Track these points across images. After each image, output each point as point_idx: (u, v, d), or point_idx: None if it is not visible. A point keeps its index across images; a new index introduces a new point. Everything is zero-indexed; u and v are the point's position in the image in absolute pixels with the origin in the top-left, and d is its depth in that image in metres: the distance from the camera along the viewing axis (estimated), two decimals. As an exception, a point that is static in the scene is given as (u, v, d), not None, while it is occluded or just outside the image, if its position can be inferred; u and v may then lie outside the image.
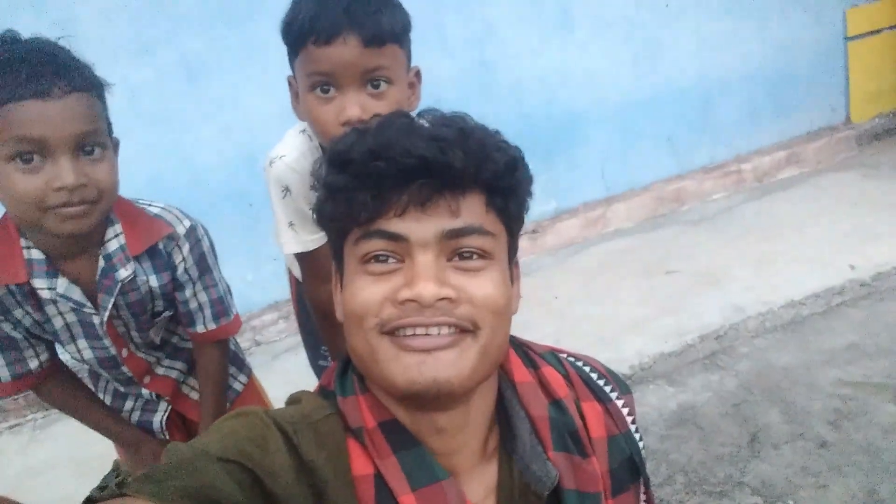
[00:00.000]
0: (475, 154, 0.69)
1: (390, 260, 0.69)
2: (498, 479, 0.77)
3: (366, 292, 0.69)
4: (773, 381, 2.31)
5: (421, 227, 0.68)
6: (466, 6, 3.08)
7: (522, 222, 0.77)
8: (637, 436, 0.84)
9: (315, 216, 0.76)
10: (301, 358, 2.88)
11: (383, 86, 1.17)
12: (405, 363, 0.67)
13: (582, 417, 0.81)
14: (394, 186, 0.67)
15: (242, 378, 1.47)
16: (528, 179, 0.75)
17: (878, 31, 3.76)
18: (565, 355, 0.88)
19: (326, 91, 1.17)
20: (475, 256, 0.70)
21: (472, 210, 0.70)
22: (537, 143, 3.18)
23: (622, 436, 0.82)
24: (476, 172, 0.69)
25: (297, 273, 1.71)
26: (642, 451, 0.84)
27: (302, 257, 1.40)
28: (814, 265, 2.85)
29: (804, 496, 1.86)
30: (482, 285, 0.69)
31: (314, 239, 1.37)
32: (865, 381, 2.23)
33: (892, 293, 2.64)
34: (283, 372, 2.84)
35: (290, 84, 1.26)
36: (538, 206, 3.24)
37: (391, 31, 1.15)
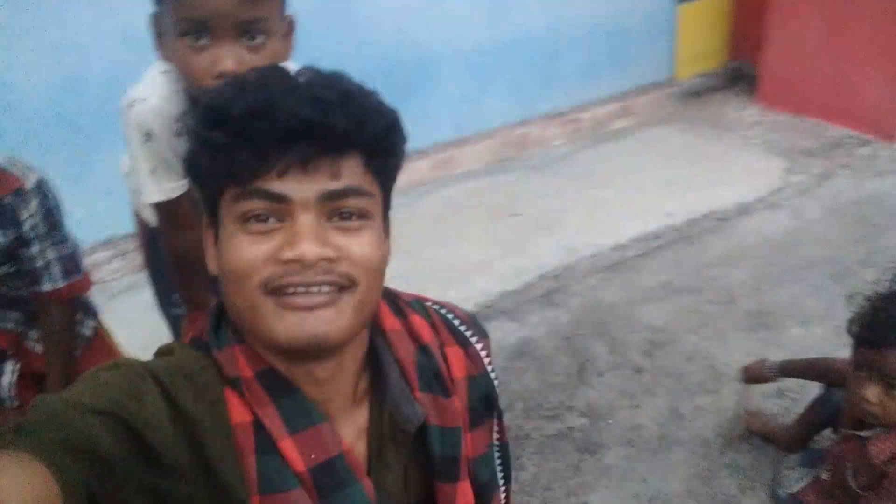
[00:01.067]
0: (357, 117, 0.70)
1: (270, 219, 0.70)
2: (369, 421, 0.83)
3: (248, 252, 0.70)
4: (599, 316, 2.56)
5: (302, 187, 0.69)
6: (321, -65, 2.96)
7: (396, 181, 0.81)
8: (493, 375, 0.93)
9: (186, 169, 0.75)
10: (140, 299, 2.75)
11: (260, 38, 1.14)
12: (288, 321, 0.70)
13: (445, 360, 0.88)
14: (275, 146, 0.68)
15: (90, 323, 1.41)
16: (404, 140, 0.78)
17: (701, -4, 4.09)
18: (430, 303, 0.94)
19: (198, 38, 1.11)
20: (354, 217, 0.73)
21: (352, 171, 0.72)
22: (392, 82, 3.17)
23: (480, 376, 0.90)
24: (357, 135, 0.71)
25: (149, 218, 1.63)
26: (497, 389, 0.93)
27: (162, 205, 1.34)
28: (637, 211, 3.15)
29: (622, 415, 2.13)
30: (360, 245, 0.73)
31: (177, 186, 1.31)
32: (674, 315, 2.54)
33: (700, 237, 2.99)
34: (121, 312, 2.69)
35: (153, 22, 1.19)
36: (390, 147, 3.25)
37: None
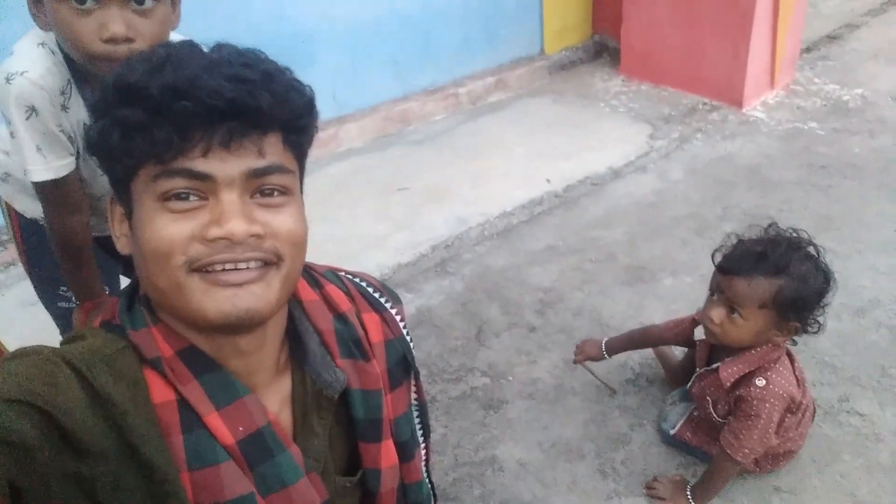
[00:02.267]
0: (280, 96, 0.72)
1: (191, 197, 0.70)
2: (292, 390, 0.86)
3: (169, 230, 0.70)
4: (492, 281, 2.67)
5: (226, 166, 0.70)
6: None
7: (307, 157, 0.83)
8: (408, 338, 0.97)
9: (92, 146, 0.73)
10: (7, 299, 2.55)
11: (149, 2, 1.10)
12: (217, 297, 0.71)
13: (363, 327, 0.92)
14: (198, 125, 0.68)
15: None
16: (317, 117, 0.80)
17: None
18: (343, 273, 0.97)
19: (83, 1, 1.05)
20: (276, 193, 0.74)
21: (273, 149, 0.73)
22: (268, 60, 3.10)
23: (396, 339, 0.95)
24: (280, 113, 0.72)
25: (23, 207, 1.52)
26: (412, 351, 0.97)
27: (50, 185, 1.26)
28: (519, 179, 3.28)
29: (520, 372, 2.24)
30: (285, 220, 0.74)
31: (65, 164, 1.24)
32: (560, 275, 2.69)
33: (578, 201, 3.17)
34: (-11, 315, 2.49)
35: None
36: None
37: None
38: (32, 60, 1.18)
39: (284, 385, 0.85)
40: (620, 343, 2.07)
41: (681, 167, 3.44)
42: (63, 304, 1.62)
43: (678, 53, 4.02)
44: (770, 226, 1.72)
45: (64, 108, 1.22)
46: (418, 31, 3.72)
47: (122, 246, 0.78)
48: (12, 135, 1.23)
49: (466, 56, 4.00)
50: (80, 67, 1.21)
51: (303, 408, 0.86)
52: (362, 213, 3.04)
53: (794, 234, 1.68)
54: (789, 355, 1.78)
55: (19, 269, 2.53)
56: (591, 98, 4.10)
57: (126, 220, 0.76)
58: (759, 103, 4.00)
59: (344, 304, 0.91)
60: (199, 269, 0.70)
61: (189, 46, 0.73)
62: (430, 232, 2.92)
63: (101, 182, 1.38)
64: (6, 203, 1.56)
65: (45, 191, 1.29)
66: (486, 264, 2.77)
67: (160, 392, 0.74)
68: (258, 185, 0.72)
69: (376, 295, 0.96)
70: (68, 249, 1.37)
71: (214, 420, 0.75)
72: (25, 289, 1.69)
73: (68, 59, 1.22)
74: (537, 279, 2.67)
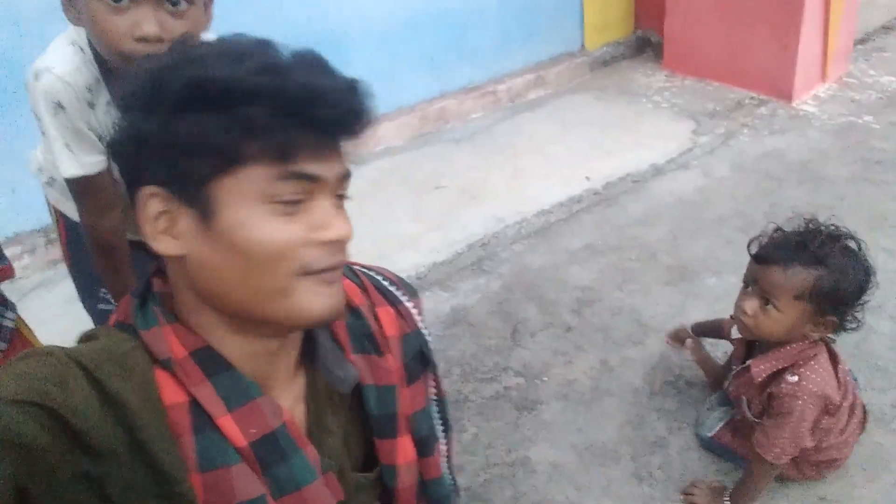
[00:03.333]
0: (366, 103, 0.73)
1: (292, 200, 0.71)
2: (305, 387, 0.84)
3: (280, 234, 0.70)
4: (528, 280, 2.63)
5: (333, 168, 0.72)
6: None
7: None
8: (426, 332, 0.95)
9: (158, 140, 0.68)
10: (54, 295, 2.63)
11: (183, 4, 1.12)
12: (324, 296, 0.73)
13: (377, 320, 0.90)
14: (322, 130, 0.70)
15: (11, 315, 1.34)
16: None
17: (606, -33, 4.19)
18: (358, 267, 0.96)
19: (118, 0, 1.06)
20: (344, 198, 0.77)
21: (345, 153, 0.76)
22: (305, 60, 3.12)
23: (413, 333, 0.93)
24: (366, 121, 0.74)
25: (68, 210, 1.55)
26: (430, 345, 0.95)
27: (81, 183, 1.28)
28: (558, 177, 3.23)
29: (555, 372, 2.20)
30: (349, 225, 0.76)
31: (96, 161, 1.26)
32: (599, 273, 2.64)
33: (618, 199, 3.10)
34: (35, 310, 2.57)
35: None
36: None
37: None
38: (60, 58, 1.21)
39: (298, 383, 0.84)
40: (703, 328, 2.09)
41: (726, 163, 3.34)
42: (103, 307, 1.64)
43: (723, 47, 3.90)
44: (811, 220, 1.65)
45: (91, 105, 1.24)
46: (455, 28, 3.70)
47: (167, 246, 0.73)
48: (43, 133, 1.25)
49: (505, 53, 3.96)
50: (109, 66, 1.23)
51: (316, 406, 0.85)
52: (398, 212, 3.03)
53: (834, 226, 1.61)
54: (833, 356, 1.70)
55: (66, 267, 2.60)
56: (634, 94, 4.01)
57: (163, 218, 0.72)
58: (810, 97, 3.85)
59: (357, 298, 0.90)
60: (312, 272, 0.72)
61: (311, 54, 0.73)
62: (467, 230, 2.89)
63: None
64: (53, 206, 1.60)
65: (76, 188, 1.31)
66: (523, 263, 2.73)
67: (171, 393, 0.73)
68: (341, 188, 0.75)
69: (392, 288, 0.95)
70: (102, 249, 1.39)
71: (227, 422, 0.74)
72: (71, 287, 1.73)
73: (98, 58, 1.24)
74: (575, 278, 2.62)
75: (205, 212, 0.70)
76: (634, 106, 3.89)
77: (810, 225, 1.63)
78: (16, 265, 2.84)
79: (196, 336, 0.75)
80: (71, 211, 1.55)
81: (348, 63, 3.63)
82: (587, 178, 3.21)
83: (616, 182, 3.19)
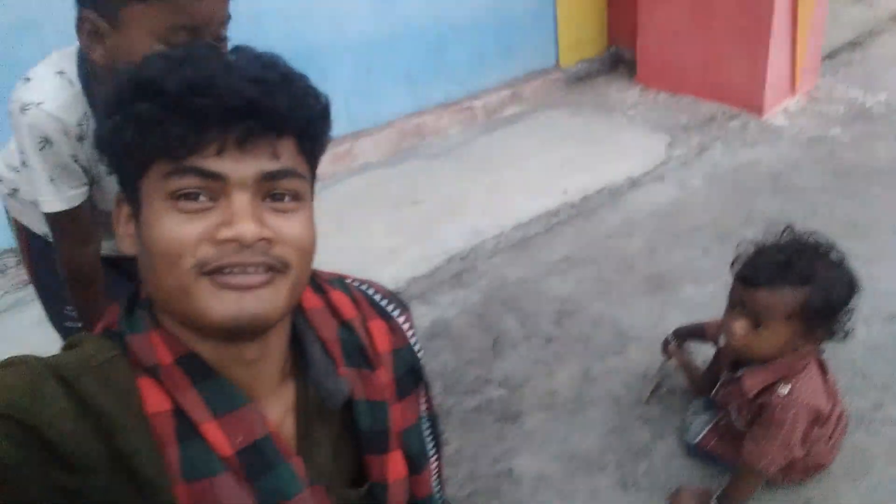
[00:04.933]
0: (297, 99, 0.71)
1: (201, 198, 0.69)
2: (295, 399, 0.83)
3: (180, 231, 0.68)
4: (508, 292, 2.62)
5: (240, 166, 0.68)
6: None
7: (318, 165, 0.82)
8: (417, 347, 0.94)
9: (101, 143, 0.72)
10: (25, 317, 2.56)
11: (222, 43, 1.14)
12: (225, 300, 0.68)
13: (368, 335, 0.89)
14: (214, 124, 0.67)
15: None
16: (331, 125, 0.79)
17: (579, -14, 4.26)
18: (350, 280, 0.95)
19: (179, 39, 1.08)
20: (287, 198, 0.72)
21: (288, 153, 0.72)
22: (282, 77, 3.11)
23: (404, 348, 0.92)
24: (296, 117, 0.71)
25: (30, 223, 1.51)
26: (421, 360, 0.94)
27: (62, 215, 1.25)
28: (536, 191, 3.24)
29: (538, 383, 2.19)
30: (295, 227, 0.73)
31: (77, 194, 1.24)
32: (578, 285, 2.64)
33: (595, 212, 3.12)
34: (6, 332, 2.50)
35: (85, 20, 1.11)
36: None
37: None
38: (50, 91, 1.17)
39: (288, 395, 0.82)
40: (685, 333, 2.08)
41: (700, 175, 3.38)
42: (69, 325, 1.60)
43: (695, 62, 3.97)
44: (786, 229, 1.65)
45: (80, 138, 1.21)
46: (431, 45, 3.72)
47: (127, 246, 0.76)
48: (24, 163, 1.22)
49: (481, 69, 3.99)
50: (99, 97, 1.21)
51: (306, 418, 0.83)
52: (376, 227, 3.02)
53: (814, 239, 1.61)
54: (821, 366, 1.71)
55: (36, 287, 2.54)
56: (608, 109, 4.06)
57: (132, 220, 0.74)
58: (781, 110, 3.93)
59: (349, 312, 0.88)
60: (209, 272, 0.68)
61: (208, 47, 0.74)
62: (446, 244, 2.88)
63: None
64: (14, 219, 1.56)
65: (56, 222, 1.28)
66: (502, 276, 2.73)
67: (155, 401, 0.71)
68: (270, 189, 0.71)
69: (383, 303, 0.93)
70: (78, 281, 1.37)
71: (212, 429, 0.72)
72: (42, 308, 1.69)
73: (87, 89, 1.21)
74: (554, 290, 2.62)
75: (136, 211, 0.73)
76: (609, 120, 3.94)
77: (790, 237, 1.63)
78: (-16, 286, 2.79)
79: (180, 342, 0.74)
80: (34, 223, 1.51)
81: (326, 79, 3.63)
82: (565, 192, 3.22)
83: (593, 195, 3.21)
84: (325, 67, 3.35)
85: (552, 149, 3.64)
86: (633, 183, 3.32)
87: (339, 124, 3.57)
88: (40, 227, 1.51)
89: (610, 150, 3.61)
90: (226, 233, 0.67)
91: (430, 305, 2.57)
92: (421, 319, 2.47)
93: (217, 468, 0.71)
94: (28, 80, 1.20)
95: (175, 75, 0.66)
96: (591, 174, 3.36)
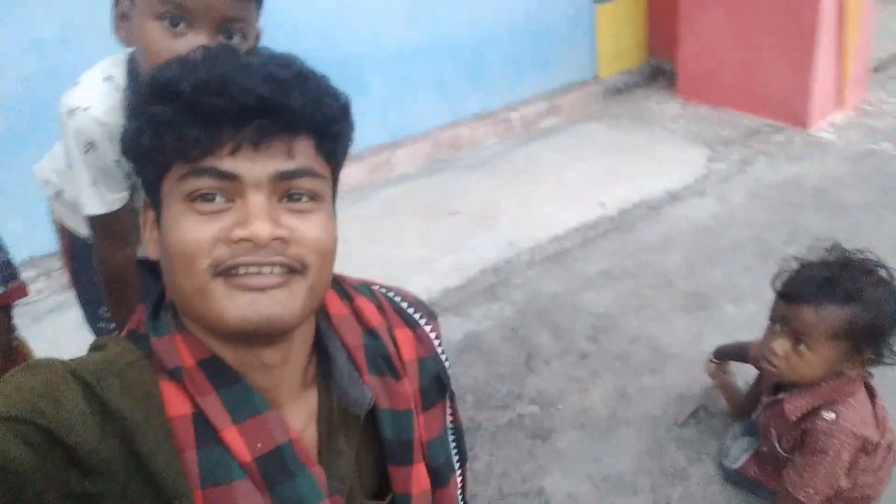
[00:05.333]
0: (313, 97, 0.70)
1: (217, 199, 0.68)
2: (318, 406, 0.81)
3: (196, 232, 0.68)
4: (542, 306, 2.59)
5: (255, 166, 0.68)
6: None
7: (342, 166, 0.80)
8: (443, 357, 0.92)
9: (125, 147, 0.72)
10: (67, 319, 2.61)
11: (236, 38, 1.12)
12: (239, 301, 0.68)
13: (394, 343, 0.87)
14: (228, 124, 0.66)
15: (14, 333, 1.33)
16: (353, 125, 0.78)
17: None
18: (377, 286, 0.93)
19: (176, 25, 1.08)
20: (305, 198, 0.71)
21: (305, 152, 0.71)
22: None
23: (431, 358, 0.89)
24: (311, 116, 0.70)
25: (73, 225, 1.54)
26: (448, 371, 0.92)
27: (102, 218, 1.28)
28: (572, 203, 3.20)
29: (571, 400, 2.15)
30: (312, 227, 0.71)
31: (118, 198, 1.27)
32: (615, 300, 2.59)
33: (633, 225, 3.07)
34: (48, 334, 2.55)
35: (115, 3, 1.15)
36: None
37: None
38: (97, 96, 1.20)
39: (311, 400, 0.81)
40: (727, 352, 1.99)
41: (742, 190, 3.30)
42: (102, 325, 1.63)
43: (738, 74, 3.89)
44: (833, 247, 1.59)
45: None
46: (467, 55, 3.72)
47: (152, 251, 0.76)
48: (70, 166, 1.24)
49: (518, 80, 3.97)
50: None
51: (329, 426, 0.81)
52: (410, 237, 3.01)
53: (860, 256, 1.55)
54: (869, 390, 1.63)
55: (76, 291, 2.59)
56: (648, 122, 4.00)
57: (156, 225, 0.74)
58: (827, 124, 3.82)
59: (375, 319, 0.86)
60: (223, 272, 0.68)
61: (224, 48, 0.73)
62: (479, 256, 2.86)
63: None
64: (57, 221, 1.59)
65: (96, 224, 1.30)
66: (536, 289, 2.69)
67: (176, 405, 0.71)
68: (287, 189, 0.70)
69: (410, 311, 0.91)
70: (114, 281, 1.39)
71: (231, 434, 0.71)
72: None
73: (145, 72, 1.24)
74: (590, 304, 2.57)
75: (157, 215, 0.73)
76: (648, 133, 3.87)
77: (836, 255, 1.57)
78: (31, 288, 2.85)
79: (202, 345, 0.73)
80: (76, 225, 1.54)
81: (362, 91, 3.66)
82: (602, 205, 3.18)
83: (631, 208, 3.16)
84: (362, 78, 3.37)
85: (590, 161, 3.59)
86: (673, 197, 3.26)
87: (377, 134, 3.61)
88: (83, 230, 1.53)
89: (649, 163, 3.55)
90: (240, 232, 0.67)
91: (463, 318, 2.54)
92: (453, 332, 2.45)
93: (235, 474, 0.70)
94: (77, 84, 1.24)
95: (190, 77, 0.66)
96: (630, 187, 3.31)
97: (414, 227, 3.09)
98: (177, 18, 1.08)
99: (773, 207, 3.14)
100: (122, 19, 1.18)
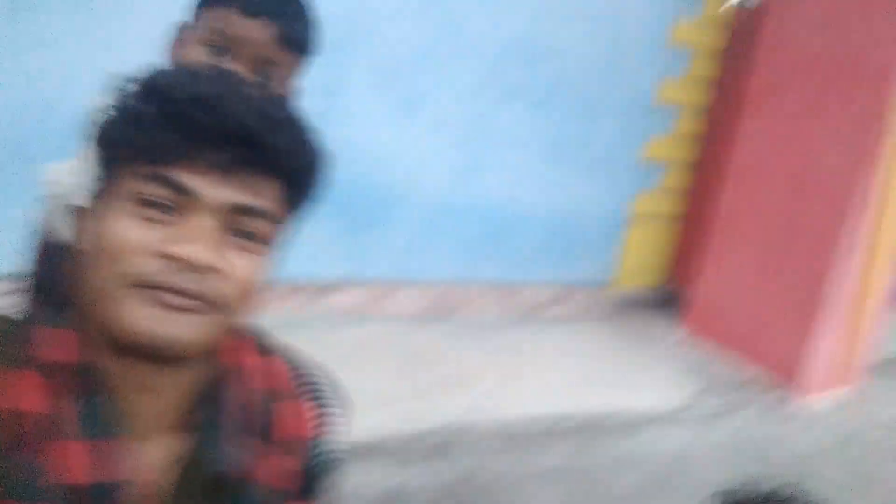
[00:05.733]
0: (295, 143, 0.72)
1: (166, 209, 0.67)
2: (184, 452, 0.76)
3: (133, 234, 0.66)
4: (486, 481, 2.50)
5: (217, 191, 0.67)
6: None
7: (299, 217, 0.79)
8: (339, 447, 0.87)
9: (99, 130, 0.72)
10: None
11: (272, 84, 1.19)
12: (148, 314, 0.66)
13: (295, 415, 0.83)
14: (206, 142, 0.66)
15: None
16: (326, 181, 0.78)
17: (653, 218, 4.42)
18: (297, 356, 0.89)
19: (220, 55, 1.16)
20: (255, 239, 0.70)
21: (270, 195, 0.70)
22: (350, 211, 3.29)
23: (323, 442, 0.85)
24: (288, 160, 0.70)
25: (60, 232, 1.58)
26: (338, 464, 0.88)
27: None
28: (549, 393, 3.18)
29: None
30: (248, 268, 0.70)
31: None
32: (554, 498, 2.47)
33: (597, 435, 3.00)
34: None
35: (180, 29, 1.23)
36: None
37: (303, 41, 1.20)
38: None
39: (177, 444, 0.76)
40: None
41: (722, 433, 3.24)
42: None
43: (747, 320, 3.93)
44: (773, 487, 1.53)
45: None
46: (496, 224, 3.86)
47: (82, 241, 0.73)
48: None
49: (537, 263, 4.09)
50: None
51: (189, 478, 0.75)
52: (380, 375, 3.00)
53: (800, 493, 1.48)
54: None
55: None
56: (647, 341, 4.03)
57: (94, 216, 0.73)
58: (826, 396, 3.77)
59: (282, 384, 0.83)
60: (142, 285, 0.66)
61: (234, 74, 0.77)
62: (441, 412, 2.83)
63: None
64: (46, 226, 1.63)
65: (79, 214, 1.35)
66: (486, 462, 2.62)
67: (32, 400, 0.67)
68: (237, 224, 0.69)
69: (323, 390, 0.87)
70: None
71: (75, 448, 0.67)
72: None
73: None
74: (534, 496, 2.48)
75: (100, 205, 0.71)
76: (646, 352, 3.89)
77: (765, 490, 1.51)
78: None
79: (86, 348, 0.70)
80: (62, 233, 1.57)
81: (385, 228, 3.69)
82: (577, 404, 3.14)
83: (602, 417, 3.12)
84: (387, 216, 3.51)
85: (580, 361, 3.61)
86: (649, 419, 3.21)
87: (384, 270, 3.61)
88: (65, 235, 1.56)
89: (636, 380, 3.54)
90: (178, 250, 0.65)
91: (399, 467, 2.48)
92: (383, 480, 2.38)
93: (47, 496, 0.65)
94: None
95: (186, 87, 0.67)
96: (609, 398, 3.28)
97: (387, 367, 3.09)
98: (222, 50, 1.15)
99: (742, 462, 3.05)
100: (180, 46, 1.24)
